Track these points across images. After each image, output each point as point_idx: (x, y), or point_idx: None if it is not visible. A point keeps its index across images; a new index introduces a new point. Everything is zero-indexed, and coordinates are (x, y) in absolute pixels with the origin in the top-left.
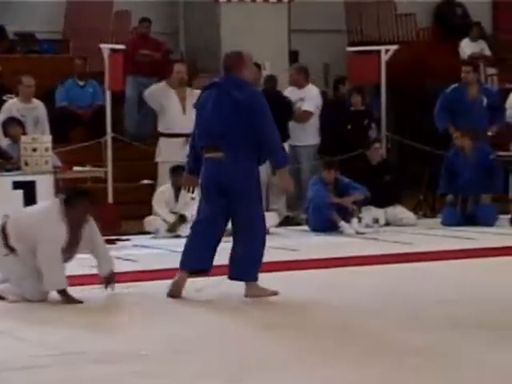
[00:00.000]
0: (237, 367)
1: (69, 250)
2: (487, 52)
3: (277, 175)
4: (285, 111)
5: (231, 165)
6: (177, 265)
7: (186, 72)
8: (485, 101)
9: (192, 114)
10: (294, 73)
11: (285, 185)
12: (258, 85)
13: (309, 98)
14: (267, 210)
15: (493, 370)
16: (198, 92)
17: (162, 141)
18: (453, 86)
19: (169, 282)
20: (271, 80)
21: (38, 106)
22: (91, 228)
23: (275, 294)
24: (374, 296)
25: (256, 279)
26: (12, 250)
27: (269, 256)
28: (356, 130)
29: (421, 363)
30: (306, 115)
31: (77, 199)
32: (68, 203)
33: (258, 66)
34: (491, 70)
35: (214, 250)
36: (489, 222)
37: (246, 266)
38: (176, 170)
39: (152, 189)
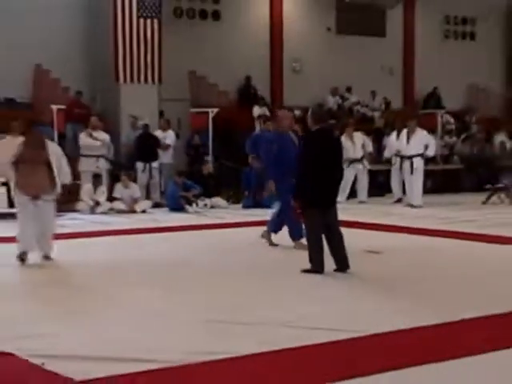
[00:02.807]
0: None
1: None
2: (267, 113)
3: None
4: (155, 143)
5: None
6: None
7: (97, 120)
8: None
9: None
10: (162, 123)
11: (269, 188)
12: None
13: (169, 137)
14: (148, 199)
15: None
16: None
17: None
18: (256, 132)
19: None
20: (146, 127)
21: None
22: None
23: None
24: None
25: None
26: None
27: (145, 224)
28: (195, 155)
29: None
30: (167, 147)
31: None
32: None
33: (135, 118)
34: (268, 123)
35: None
36: (267, 206)
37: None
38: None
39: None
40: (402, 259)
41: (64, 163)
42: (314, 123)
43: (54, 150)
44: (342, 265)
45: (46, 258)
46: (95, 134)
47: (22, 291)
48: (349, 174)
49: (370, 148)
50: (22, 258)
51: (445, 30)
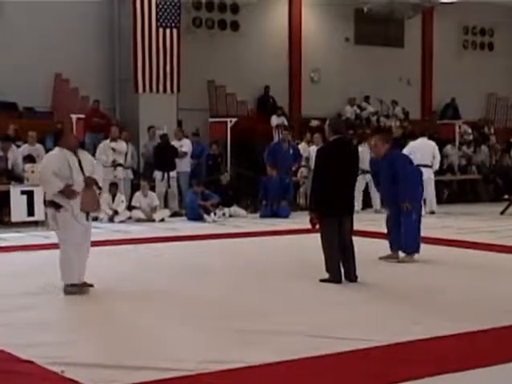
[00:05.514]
0: None
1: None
2: (286, 123)
3: None
4: (173, 153)
5: None
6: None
7: (117, 131)
8: (291, 151)
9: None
10: (176, 131)
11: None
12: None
13: (185, 145)
14: (165, 207)
15: None
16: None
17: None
18: (274, 141)
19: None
20: (165, 136)
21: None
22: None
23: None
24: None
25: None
26: None
27: (163, 233)
28: (214, 164)
29: None
30: (184, 154)
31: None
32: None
33: (153, 128)
34: (285, 132)
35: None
36: (284, 216)
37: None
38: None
39: None
40: (420, 269)
41: (98, 169)
42: (331, 134)
43: (87, 158)
44: (351, 275)
45: (85, 284)
46: (114, 144)
47: (41, 300)
48: (359, 185)
49: None
50: (75, 291)
51: (463, 40)
